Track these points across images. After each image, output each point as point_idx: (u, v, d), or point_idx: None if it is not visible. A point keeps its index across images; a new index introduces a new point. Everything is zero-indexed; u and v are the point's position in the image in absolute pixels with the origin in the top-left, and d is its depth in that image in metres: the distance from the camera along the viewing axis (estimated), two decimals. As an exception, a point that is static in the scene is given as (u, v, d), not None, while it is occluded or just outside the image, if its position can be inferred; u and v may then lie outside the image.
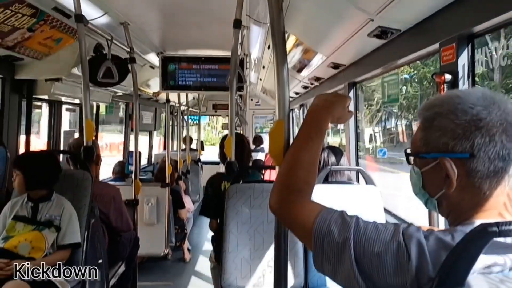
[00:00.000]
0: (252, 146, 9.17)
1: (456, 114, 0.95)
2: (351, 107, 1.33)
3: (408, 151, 1.07)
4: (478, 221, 0.92)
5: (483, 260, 0.83)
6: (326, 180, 2.78)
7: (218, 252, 2.93)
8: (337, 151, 2.89)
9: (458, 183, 0.96)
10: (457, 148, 0.94)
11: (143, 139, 8.30)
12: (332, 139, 7.82)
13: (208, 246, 6.62)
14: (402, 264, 0.87)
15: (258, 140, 9.19)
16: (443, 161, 0.96)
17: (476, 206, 0.96)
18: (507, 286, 0.83)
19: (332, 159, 2.83)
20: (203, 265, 5.72)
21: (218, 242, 2.96)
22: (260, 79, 7.42)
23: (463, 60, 1.97)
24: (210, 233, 7.17)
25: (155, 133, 9.09)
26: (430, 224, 2.26)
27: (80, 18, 2.77)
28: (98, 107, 5.74)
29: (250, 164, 3.71)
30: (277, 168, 1.38)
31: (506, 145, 0.92)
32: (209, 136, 23.53)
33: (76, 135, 5.12)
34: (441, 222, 2.19)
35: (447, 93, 1.03)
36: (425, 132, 1.01)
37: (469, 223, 0.93)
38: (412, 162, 1.07)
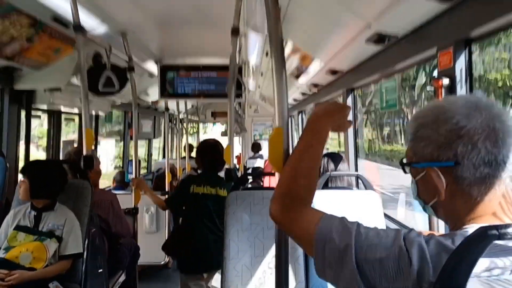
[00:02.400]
0: (251, 153, 9.17)
1: (438, 124, 0.97)
2: (350, 115, 1.34)
3: (404, 160, 1.09)
4: (477, 225, 0.93)
5: (480, 263, 0.83)
6: (326, 186, 2.78)
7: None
8: (337, 157, 2.90)
9: (448, 191, 0.97)
10: (441, 157, 0.96)
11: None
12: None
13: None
14: (403, 269, 0.87)
15: (256, 147, 9.18)
16: (429, 171, 0.99)
17: (470, 212, 0.97)
18: None
19: (332, 165, 2.83)
20: (204, 273, 5.69)
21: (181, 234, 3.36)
22: (259, 86, 7.43)
23: (461, 64, 1.97)
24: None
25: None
26: (430, 228, 2.26)
27: (78, 28, 2.78)
28: (97, 116, 5.75)
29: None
30: (276, 175, 1.38)
31: (491, 151, 0.92)
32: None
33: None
34: (442, 227, 2.18)
35: (433, 103, 1.06)
36: (413, 143, 1.03)
37: (468, 228, 0.94)
38: (407, 171, 1.08)
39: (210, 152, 3.40)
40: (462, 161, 0.94)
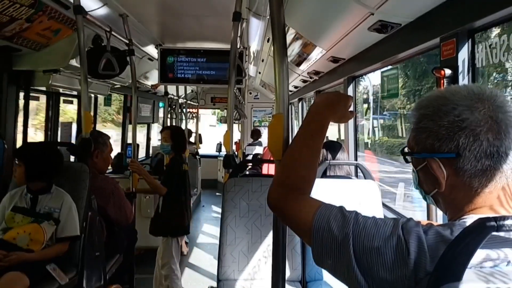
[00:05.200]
0: (250, 140, 9.17)
1: (440, 115, 0.96)
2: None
3: (406, 150, 1.08)
4: (476, 216, 0.92)
5: (476, 254, 0.83)
6: (324, 175, 2.79)
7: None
8: (336, 146, 2.90)
9: (449, 182, 0.98)
10: (443, 149, 0.96)
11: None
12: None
13: (205, 239, 6.64)
14: (401, 259, 0.87)
15: (256, 133, 9.17)
16: (430, 162, 0.99)
17: (470, 203, 0.97)
18: (498, 280, 0.83)
19: (330, 155, 2.83)
20: (200, 257, 5.75)
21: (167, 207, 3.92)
22: (259, 73, 7.40)
23: (463, 55, 1.96)
24: (207, 226, 7.19)
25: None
26: (428, 218, 2.27)
27: (79, 9, 2.75)
28: (96, 98, 5.73)
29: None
30: (275, 162, 1.37)
31: (493, 143, 0.92)
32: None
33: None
34: (440, 217, 2.19)
35: (435, 93, 1.04)
36: (415, 133, 1.03)
37: (467, 218, 0.94)
38: (409, 161, 1.09)
39: (185, 137, 4.18)
40: (464, 153, 0.94)
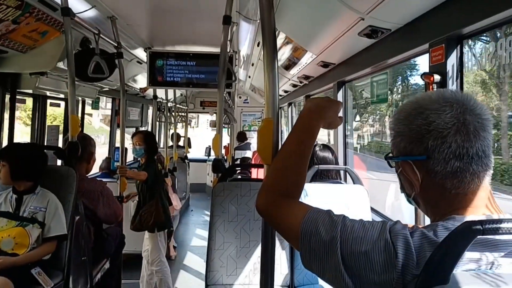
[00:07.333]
0: (237, 143, 9.15)
1: (410, 119, 1.00)
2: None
3: (390, 155, 1.10)
4: (459, 216, 0.94)
5: (468, 256, 0.84)
6: (313, 178, 2.79)
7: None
8: (329, 147, 2.93)
9: (424, 184, 1.00)
10: (414, 152, 0.99)
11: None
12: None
13: (194, 243, 6.61)
14: (389, 262, 0.88)
15: (242, 136, 9.14)
16: (404, 165, 1.02)
17: (448, 205, 0.98)
18: (485, 282, 0.83)
19: (321, 154, 2.85)
20: (189, 262, 5.71)
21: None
22: (249, 77, 7.40)
23: (452, 60, 1.98)
24: (197, 230, 7.16)
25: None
26: (416, 222, 2.28)
27: (66, 11, 2.73)
28: (83, 102, 5.67)
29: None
30: (265, 166, 1.36)
31: (462, 145, 0.94)
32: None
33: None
34: (427, 220, 2.20)
35: (411, 99, 1.06)
36: (392, 137, 1.06)
37: (449, 218, 0.94)
38: (392, 165, 1.10)
39: (156, 140, 4.32)
40: (433, 155, 0.95)
